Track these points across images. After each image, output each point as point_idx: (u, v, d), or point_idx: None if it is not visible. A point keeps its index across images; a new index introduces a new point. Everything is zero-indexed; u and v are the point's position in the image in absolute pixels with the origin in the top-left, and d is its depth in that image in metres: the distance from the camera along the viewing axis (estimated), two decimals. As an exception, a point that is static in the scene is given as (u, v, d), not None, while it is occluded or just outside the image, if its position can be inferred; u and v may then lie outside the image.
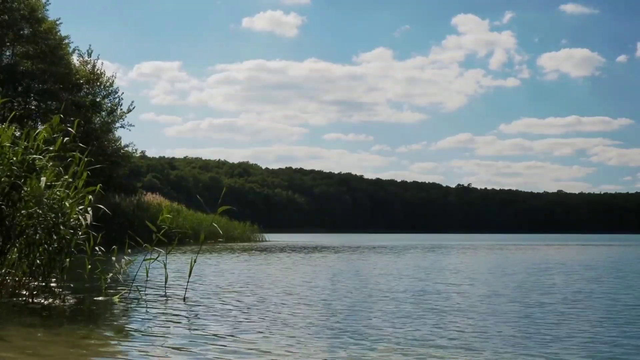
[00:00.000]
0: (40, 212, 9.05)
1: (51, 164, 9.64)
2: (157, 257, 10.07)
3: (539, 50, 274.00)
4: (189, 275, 10.41)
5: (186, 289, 10.34)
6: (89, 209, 9.56)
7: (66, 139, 9.98)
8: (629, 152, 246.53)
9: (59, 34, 32.72)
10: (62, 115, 10.40)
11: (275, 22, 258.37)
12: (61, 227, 9.19)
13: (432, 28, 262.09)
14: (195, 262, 10.44)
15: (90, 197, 9.64)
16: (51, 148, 9.70)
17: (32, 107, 32.27)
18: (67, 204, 9.38)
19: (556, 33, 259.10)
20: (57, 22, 32.71)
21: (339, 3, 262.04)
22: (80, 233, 9.41)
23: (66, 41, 33.42)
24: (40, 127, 10.07)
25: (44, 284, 9.35)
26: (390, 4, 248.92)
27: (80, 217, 9.40)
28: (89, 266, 9.62)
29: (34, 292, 9.14)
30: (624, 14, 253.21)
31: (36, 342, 6.40)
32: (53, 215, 9.17)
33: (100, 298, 9.59)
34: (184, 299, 9.76)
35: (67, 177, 9.65)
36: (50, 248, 9.25)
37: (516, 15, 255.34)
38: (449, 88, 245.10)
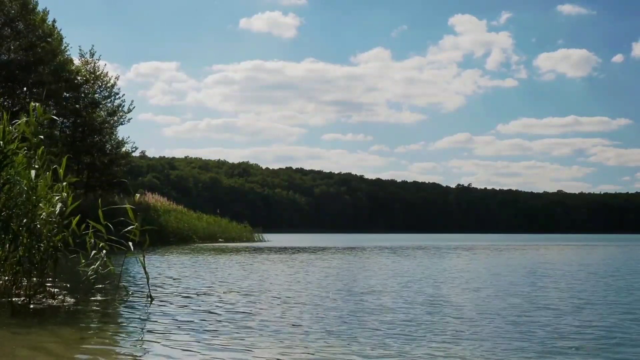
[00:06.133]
0: (21, 200, 8.91)
1: (23, 152, 9.45)
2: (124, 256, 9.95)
3: (536, 50, 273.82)
4: (145, 272, 10.06)
5: (147, 286, 10.18)
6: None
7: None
8: (628, 152, 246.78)
9: (47, 23, 32.73)
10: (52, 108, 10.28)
11: (273, 23, 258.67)
12: (42, 218, 9.07)
13: (429, 28, 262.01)
14: (144, 258, 10.09)
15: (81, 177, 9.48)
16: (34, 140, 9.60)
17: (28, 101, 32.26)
18: (40, 193, 9.23)
19: (553, 33, 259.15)
20: (46, 12, 32.74)
21: (337, 4, 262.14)
22: (56, 226, 9.25)
23: (56, 27, 33.34)
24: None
25: (37, 283, 9.31)
26: (387, 4, 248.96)
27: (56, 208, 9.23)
28: (83, 262, 9.59)
29: (30, 292, 9.11)
30: (620, 14, 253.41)
31: (33, 342, 6.38)
32: (33, 204, 9.03)
33: (93, 298, 9.56)
34: (150, 297, 9.75)
35: (36, 165, 9.43)
36: (35, 243, 9.11)
37: (513, 15, 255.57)
38: (447, 88, 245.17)
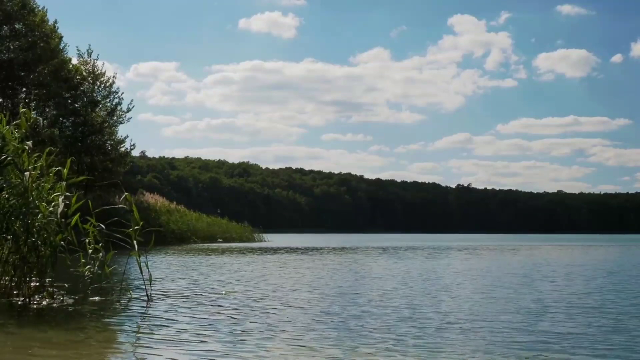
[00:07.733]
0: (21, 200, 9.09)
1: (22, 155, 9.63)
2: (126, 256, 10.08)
3: (536, 50, 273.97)
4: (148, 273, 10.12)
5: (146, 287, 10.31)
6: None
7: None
8: (627, 153, 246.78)
9: (48, 23, 32.87)
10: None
11: (272, 23, 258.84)
12: (39, 218, 9.19)
13: (428, 28, 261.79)
14: (140, 258, 10.08)
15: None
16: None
17: (31, 103, 32.42)
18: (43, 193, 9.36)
19: (552, 33, 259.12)
20: (44, 11, 32.88)
21: (336, 4, 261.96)
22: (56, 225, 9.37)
23: (57, 28, 33.49)
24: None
25: (37, 283, 9.47)
26: (387, 4, 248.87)
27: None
28: (84, 263, 9.78)
29: (30, 293, 9.26)
30: (620, 15, 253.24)
31: (32, 342, 6.51)
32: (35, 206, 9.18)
33: (92, 298, 9.67)
34: (148, 297, 9.80)
35: (34, 166, 9.58)
36: (35, 244, 9.26)
37: (512, 15, 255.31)
38: (447, 88, 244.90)
